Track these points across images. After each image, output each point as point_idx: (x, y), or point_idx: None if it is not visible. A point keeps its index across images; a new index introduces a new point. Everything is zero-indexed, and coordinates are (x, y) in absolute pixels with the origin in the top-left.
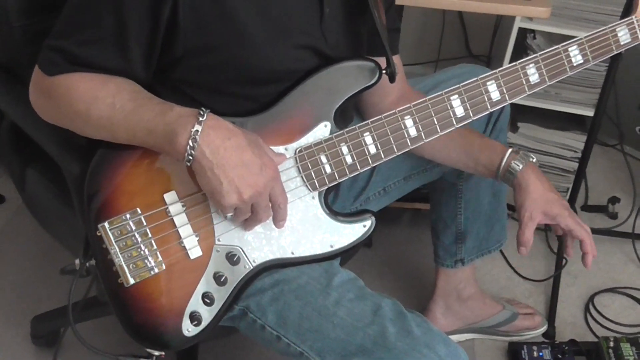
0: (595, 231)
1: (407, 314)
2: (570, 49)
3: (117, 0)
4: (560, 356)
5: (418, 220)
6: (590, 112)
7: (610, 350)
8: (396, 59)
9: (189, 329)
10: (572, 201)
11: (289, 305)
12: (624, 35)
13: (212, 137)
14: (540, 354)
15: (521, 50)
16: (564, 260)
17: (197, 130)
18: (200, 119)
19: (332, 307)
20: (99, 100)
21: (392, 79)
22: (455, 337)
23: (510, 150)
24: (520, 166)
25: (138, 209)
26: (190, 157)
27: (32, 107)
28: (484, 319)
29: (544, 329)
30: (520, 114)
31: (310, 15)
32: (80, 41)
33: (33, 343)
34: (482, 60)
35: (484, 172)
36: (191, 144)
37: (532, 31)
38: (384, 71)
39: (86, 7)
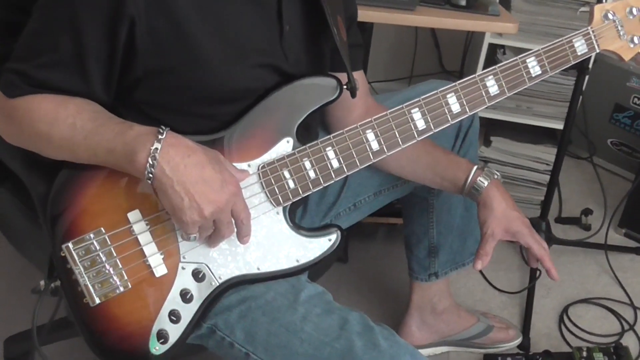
0: (569, 243)
1: (375, 327)
2: (528, 61)
3: (74, 25)
4: None
5: (393, 235)
6: (561, 125)
7: None
8: (358, 75)
9: (156, 348)
10: (545, 213)
11: (257, 322)
12: (580, 46)
13: (172, 155)
14: None
15: (492, 65)
16: (537, 272)
17: (156, 148)
18: (160, 136)
19: (299, 322)
20: (59, 121)
21: (353, 94)
22: (430, 350)
23: (475, 167)
24: (485, 183)
25: (102, 229)
26: (150, 175)
27: None
28: (459, 332)
29: (518, 340)
30: (493, 128)
31: (269, 33)
32: (39, 64)
33: None
34: (455, 75)
35: (450, 188)
36: (150, 162)
37: (502, 47)
38: (344, 86)
39: (44, 31)
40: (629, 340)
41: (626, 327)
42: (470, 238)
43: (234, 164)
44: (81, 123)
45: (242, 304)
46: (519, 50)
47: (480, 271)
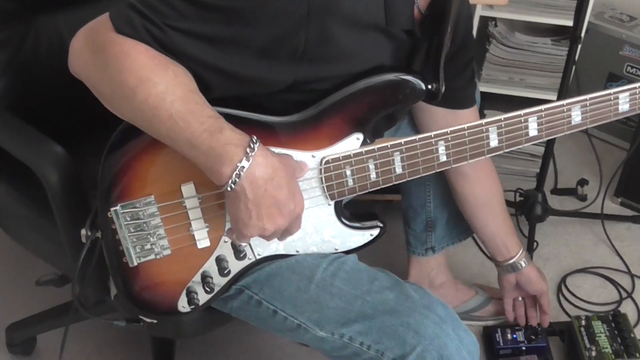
0: (565, 213)
1: (403, 282)
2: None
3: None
4: (533, 337)
5: (390, 212)
6: (554, 97)
7: (582, 329)
8: (472, 111)
9: (184, 306)
10: (540, 185)
11: (287, 280)
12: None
13: (257, 176)
14: (514, 336)
15: (484, 37)
16: (535, 244)
17: (243, 167)
18: (249, 152)
19: (329, 278)
20: (150, 83)
21: (434, 97)
22: None
23: (523, 249)
24: (525, 265)
25: (153, 197)
26: (229, 190)
27: (69, 49)
28: (457, 305)
29: None
30: (486, 101)
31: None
32: (181, 28)
33: (9, 352)
34: None
35: (491, 248)
36: (234, 178)
37: (494, 19)
38: (429, 87)
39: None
40: (627, 308)
41: (624, 295)
42: None
43: (298, 152)
44: (171, 98)
45: (272, 263)
46: (510, 22)
47: (478, 244)
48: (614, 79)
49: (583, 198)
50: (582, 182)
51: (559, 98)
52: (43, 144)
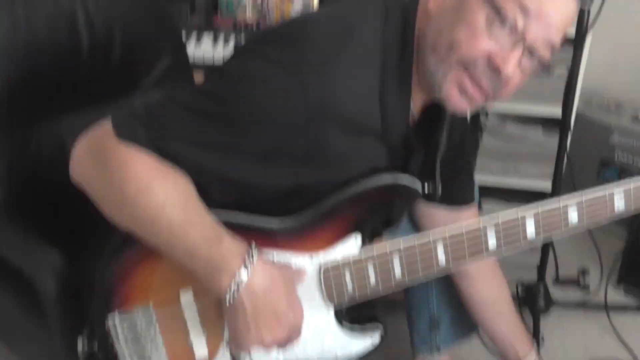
0: (569, 305)
1: None
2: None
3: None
4: None
5: (393, 311)
6: (549, 185)
7: None
8: (471, 209)
9: None
10: (542, 276)
11: None
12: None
13: (255, 287)
14: None
15: (477, 129)
16: (541, 339)
17: (242, 280)
18: (248, 262)
19: None
20: (150, 193)
21: (431, 198)
22: None
23: (532, 351)
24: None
25: (151, 305)
26: (228, 302)
27: (71, 156)
28: None
29: None
30: (483, 193)
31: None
32: (181, 136)
33: None
34: None
35: (499, 348)
36: (232, 291)
37: (485, 111)
38: (425, 188)
39: (215, 114)
40: None
41: None
42: None
43: (297, 254)
44: (171, 207)
45: None
46: (501, 114)
47: (484, 342)
48: (606, 165)
49: (586, 287)
50: (584, 271)
51: (554, 186)
52: (40, 252)
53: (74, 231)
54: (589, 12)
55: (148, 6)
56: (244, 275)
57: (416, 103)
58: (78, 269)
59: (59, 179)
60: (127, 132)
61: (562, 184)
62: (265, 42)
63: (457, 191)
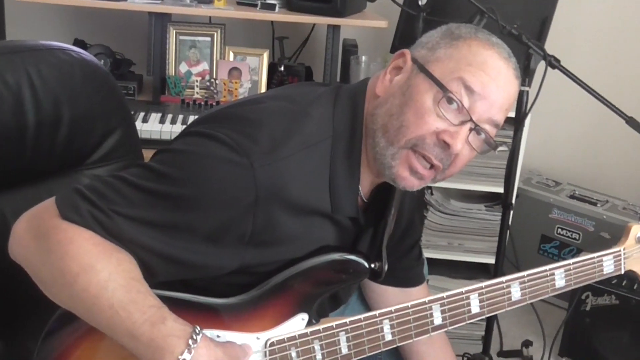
0: None
1: None
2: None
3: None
4: None
5: None
6: (492, 260)
7: None
8: (421, 289)
9: None
10: (487, 348)
11: None
12: (608, 266)
13: None
14: None
15: (422, 205)
16: None
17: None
18: (192, 344)
19: None
20: (93, 271)
21: (377, 276)
22: None
23: None
24: None
25: None
26: None
27: (11, 233)
28: None
29: None
30: (429, 267)
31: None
32: (128, 215)
33: None
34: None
35: None
36: None
37: (429, 187)
38: (372, 266)
39: (162, 194)
40: None
41: None
42: None
43: (243, 334)
44: (113, 286)
45: None
46: (444, 190)
47: None
48: (547, 240)
49: (528, 358)
50: (527, 343)
51: (497, 262)
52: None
53: (10, 310)
54: (527, 93)
55: (97, 82)
56: (187, 356)
57: (365, 184)
58: (15, 349)
59: None
60: (70, 210)
61: (504, 258)
62: (216, 123)
63: (407, 271)
